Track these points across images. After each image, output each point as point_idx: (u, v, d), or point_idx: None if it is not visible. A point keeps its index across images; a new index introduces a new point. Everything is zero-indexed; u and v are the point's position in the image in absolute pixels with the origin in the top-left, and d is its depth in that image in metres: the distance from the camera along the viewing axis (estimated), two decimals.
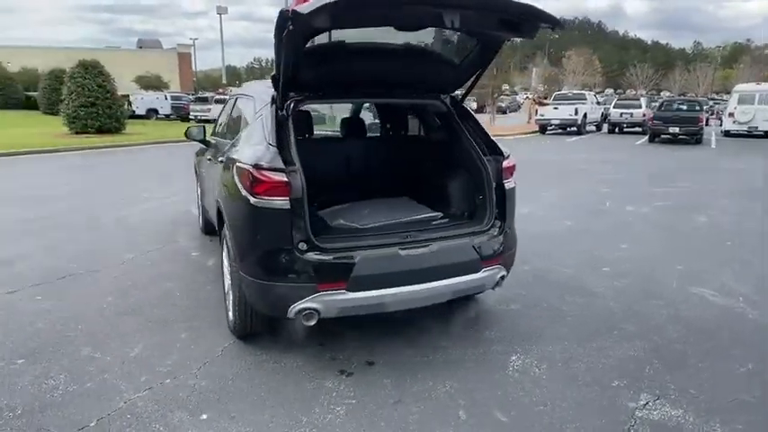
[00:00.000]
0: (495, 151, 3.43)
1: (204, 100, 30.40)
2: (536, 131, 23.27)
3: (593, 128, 24.33)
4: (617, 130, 23.28)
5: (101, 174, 11.53)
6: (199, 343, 3.39)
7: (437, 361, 3.19)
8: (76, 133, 17.99)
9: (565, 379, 3.00)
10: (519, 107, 45.27)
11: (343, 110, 6.04)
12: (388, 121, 4.84)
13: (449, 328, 3.63)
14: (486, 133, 3.55)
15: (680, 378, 3.00)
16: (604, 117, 25.17)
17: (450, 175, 3.75)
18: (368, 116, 5.42)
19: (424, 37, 3.34)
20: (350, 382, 2.96)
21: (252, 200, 2.84)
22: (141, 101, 32.67)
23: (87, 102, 18.03)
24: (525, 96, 47.13)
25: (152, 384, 2.92)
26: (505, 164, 3.40)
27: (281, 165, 2.81)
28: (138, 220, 6.72)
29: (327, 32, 2.88)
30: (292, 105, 3.18)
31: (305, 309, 2.82)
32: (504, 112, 40.20)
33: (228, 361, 3.18)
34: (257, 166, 2.84)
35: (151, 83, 43.15)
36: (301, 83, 3.15)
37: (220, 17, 53.42)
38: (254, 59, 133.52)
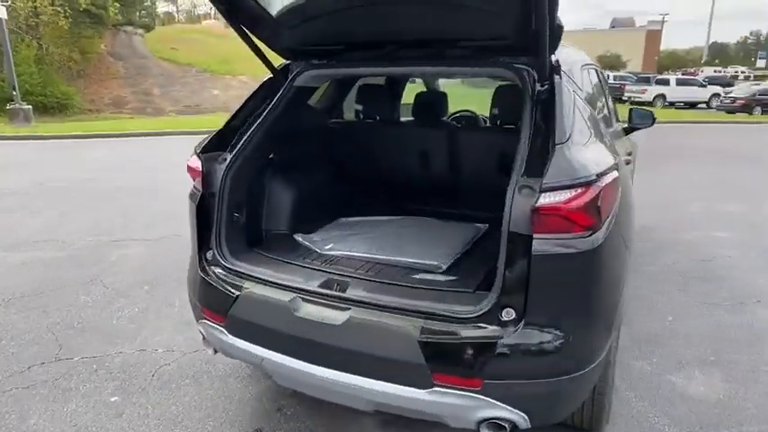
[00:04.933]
0: (537, 172, 1.61)
1: (646, 80, 28.12)
2: None
3: None
4: None
5: None
6: None
7: None
8: None
9: None
10: None
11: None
12: (493, 107, 2.84)
13: None
14: (546, 134, 1.70)
15: None
16: None
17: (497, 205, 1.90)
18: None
19: None
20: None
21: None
22: None
23: None
24: None
25: (96, 281, 3.78)
26: (544, 201, 1.56)
27: (199, 147, 2.15)
28: None
29: None
30: (290, 78, 2.34)
31: (200, 330, 2.16)
32: None
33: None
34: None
35: (610, 62, 41.82)
36: (294, 50, 2.36)
37: None
38: (751, 33, 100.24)
